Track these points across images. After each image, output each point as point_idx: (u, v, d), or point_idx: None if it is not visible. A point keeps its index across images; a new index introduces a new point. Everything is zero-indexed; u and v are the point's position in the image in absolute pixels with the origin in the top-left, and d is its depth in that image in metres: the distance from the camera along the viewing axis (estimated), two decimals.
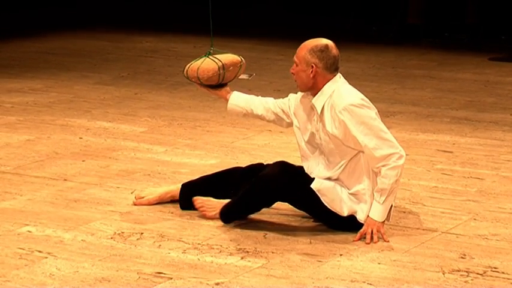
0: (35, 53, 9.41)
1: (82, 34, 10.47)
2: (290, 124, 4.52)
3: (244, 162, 5.26)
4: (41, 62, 8.90)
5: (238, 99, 4.58)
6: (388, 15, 10.34)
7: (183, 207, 4.69)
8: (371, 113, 4.13)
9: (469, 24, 9.95)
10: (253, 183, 4.38)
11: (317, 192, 4.17)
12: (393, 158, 4.09)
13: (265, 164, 4.68)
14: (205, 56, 4.68)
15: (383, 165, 4.10)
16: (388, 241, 4.17)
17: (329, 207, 4.15)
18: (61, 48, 9.64)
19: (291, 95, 4.49)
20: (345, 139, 4.08)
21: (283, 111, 4.49)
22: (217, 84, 4.67)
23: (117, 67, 8.65)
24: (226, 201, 4.44)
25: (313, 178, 4.29)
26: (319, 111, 4.14)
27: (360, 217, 4.15)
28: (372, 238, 4.14)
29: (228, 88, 4.59)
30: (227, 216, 4.47)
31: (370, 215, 4.14)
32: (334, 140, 4.14)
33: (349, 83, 4.55)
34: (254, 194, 4.39)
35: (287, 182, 4.27)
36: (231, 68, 4.67)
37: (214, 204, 4.46)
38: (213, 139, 5.98)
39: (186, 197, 4.75)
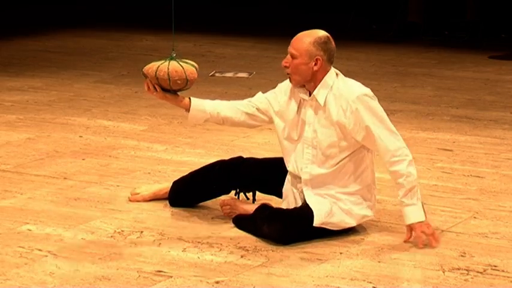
0: (35, 51, 9.45)
1: (82, 32, 10.48)
2: (263, 122, 4.43)
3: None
4: (41, 60, 8.94)
5: (202, 104, 4.44)
6: (389, 13, 10.36)
7: (171, 205, 4.72)
8: (379, 105, 4.14)
9: (469, 22, 9.95)
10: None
11: (322, 226, 4.14)
12: (405, 152, 4.08)
13: (245, 157, 4.58)
14: (169, 59, 4.49)
15: (398, 161, 4.05)
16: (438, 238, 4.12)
17: (338, 229, 4.14)
18: (61, 47, 9.69)
19: (269, 95, 4.42)
20: (354, 130, 4.05)
21: (259, 110, 4.40)
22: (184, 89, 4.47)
23: (117, 65, 8.70)
24: (249, 205, 4.37)
25: (310, 212, 4.13)
26: (322, 103, 4.11)
27: (370, 213, 4.16)
28: (422, 241, 4.04)
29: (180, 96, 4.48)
30: (238, 226, 4.46)
31: (410, 222, 4.03)
32: (341, 130, 4.09)
33: None
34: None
35: (292, 240, 4.20)
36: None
37: (240, 210, 4.41)
38: (213, 137, 6.02)
39: (174, 195, 4.77)
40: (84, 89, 7.60)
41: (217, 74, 8.31)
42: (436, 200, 4.72)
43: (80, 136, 6.10)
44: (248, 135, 6.12)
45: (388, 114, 5.04)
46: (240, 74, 8.00)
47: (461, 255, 3.96)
